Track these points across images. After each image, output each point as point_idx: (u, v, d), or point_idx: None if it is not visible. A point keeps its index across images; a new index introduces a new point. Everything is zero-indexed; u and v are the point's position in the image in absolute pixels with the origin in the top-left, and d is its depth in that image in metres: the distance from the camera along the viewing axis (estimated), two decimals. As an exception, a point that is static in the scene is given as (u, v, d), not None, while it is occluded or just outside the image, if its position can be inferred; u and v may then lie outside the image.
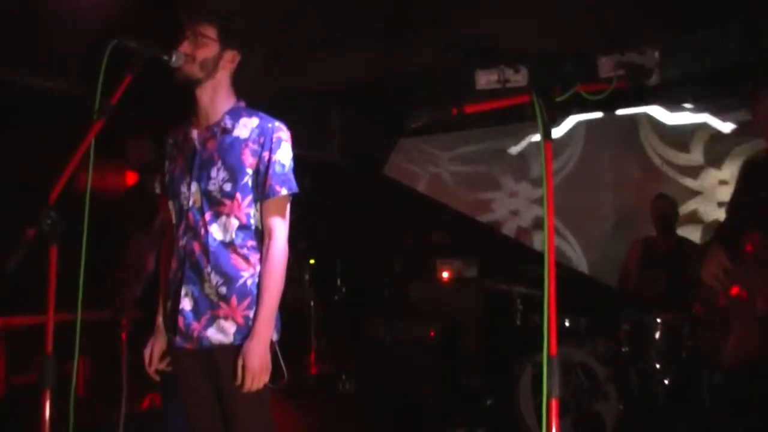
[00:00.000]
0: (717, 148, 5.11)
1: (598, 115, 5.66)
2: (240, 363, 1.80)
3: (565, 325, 4.21)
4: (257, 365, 1.79)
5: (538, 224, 5.97)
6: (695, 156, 5.27)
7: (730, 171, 4.94)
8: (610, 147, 5.67)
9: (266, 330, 1.84)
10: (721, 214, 4.64)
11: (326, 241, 6.29)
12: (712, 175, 5.12)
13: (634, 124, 5.51)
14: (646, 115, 5.46)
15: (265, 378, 1.82)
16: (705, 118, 5.16)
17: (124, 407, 3.18)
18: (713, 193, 5.10)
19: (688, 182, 5.27)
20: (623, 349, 3.95)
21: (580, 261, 5.72)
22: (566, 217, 5.75)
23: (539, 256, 1.39)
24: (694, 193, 5.23)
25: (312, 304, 5.86)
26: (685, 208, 5.06)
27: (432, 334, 4.78)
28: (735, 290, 2.18)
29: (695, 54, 3.87)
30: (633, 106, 5.42)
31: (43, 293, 1.56)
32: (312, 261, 6.14)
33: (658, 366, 3.78)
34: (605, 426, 3.60)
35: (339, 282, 6.27)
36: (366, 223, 6.40)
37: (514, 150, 6.09)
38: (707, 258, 2.31)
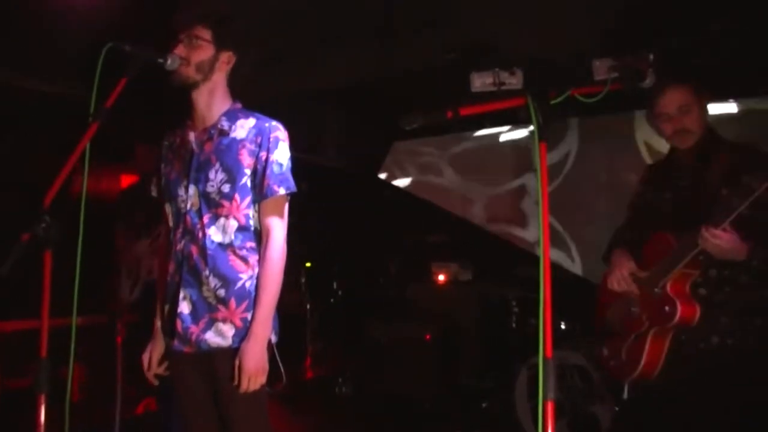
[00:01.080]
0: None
1: (594, 117, 5.68)
2: (236, 363, 1.80)
3: (560, 327, 4.22)
4: (253, 366, 1.79)
5: (534, 226, 5.98)
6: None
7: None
8: (606, 149, 5.69)
9: (263, 330, 1.84)
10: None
11: (322, 244, 6.28)
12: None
13: (630, 126, 5.53)
14: (642, 118, 5.48)
15: (261, 379, 1.81)
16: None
17: (118, 412, 3.16)
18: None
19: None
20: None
21: (576, 263, 5.73)
22: (563, 219, 5.76)
23: (535, 259, 1.39)
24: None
25: (308, 307, 5.85)
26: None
27: (428, 337, 4.78)
28: (645, 297, 2.08)
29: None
30: (628, 109, 5.44)
31: (38, 297, 1.55)
32: (308, 264, 6.13)
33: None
34: (600, 428, 3.60)
35: (335, 285, 6.26)
36: (362, 226, 6.40)
37: (509, 152, 6.11)
38: (612, 264, 2.25)
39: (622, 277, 2.18)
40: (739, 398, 1.94)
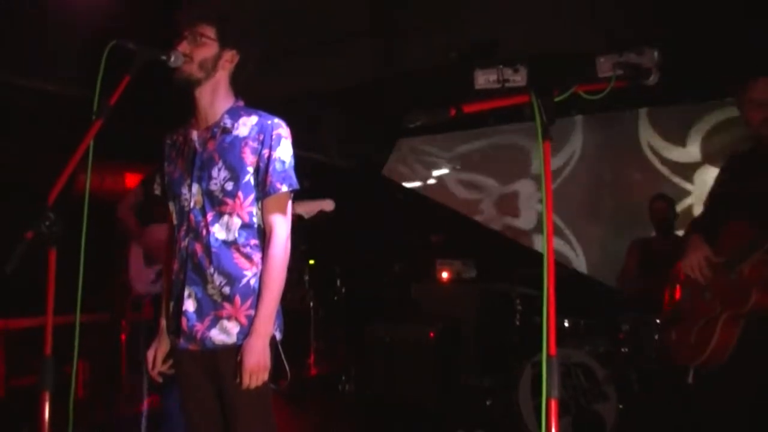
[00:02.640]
0: (715, 145, 5.12)
1: (597, 115, 5.67)
2: (239, 361, 1.80)
3: (564, 325, 4.21)
4: (255, 363, 1.79)
5: (538, 224, 5.98)
6: (693, 154, 5.28)
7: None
8: (609, 147, 5.68)
9: (266, 327, 1.84)
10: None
11: (325, 242, 6.28)
12: (710, 173, 5.13)
13: (633, 123, 5.52)
14: (645, 115, 5.47)
15: (264, 376, 1.81)
16: (703, 116, 5.17)
17: (145, 404, 3.13)
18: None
19: (686, 181, 5.28)
20: (623, 350, 3.95)
21: (579, 261, 5.72)
22: (566, 217, 5.75)
23: (538, 257, 1.38)
24: (691, 192, 5.24)
25: (311, 305, 5.86)
26: (682, 206, 5.07)
27: (431, 334, 4.78)
28: (720, 282, 2.09)
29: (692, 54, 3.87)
30: (632, 106, 5.43)
31: (42, 295, 1.55)
32: (311, 262, 6.14)
33: (657, 366, 3.78)
34: (605, 426, 3.60)
35: (338, 283, 6.26)
36: (365, 224, 6.40)
37: (512, 150, 6.10)
38: (688, 249, 2.23)
39: (698, 261, 2.17)
40: None
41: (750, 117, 2.18)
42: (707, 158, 5.20)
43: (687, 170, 5.30)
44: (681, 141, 5.34)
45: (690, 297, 2.24)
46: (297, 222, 3.02)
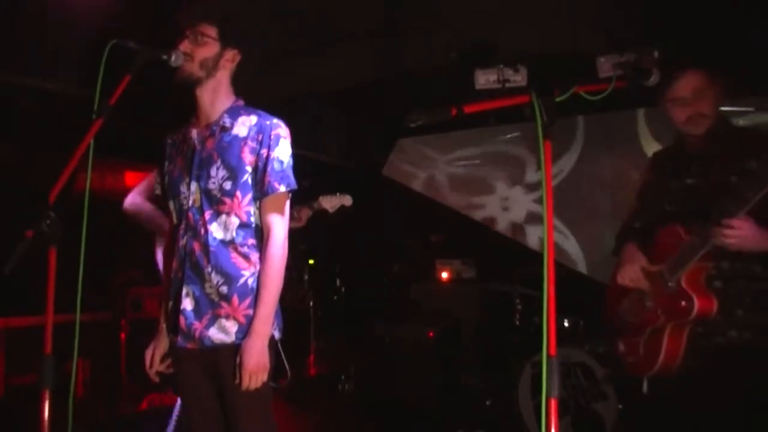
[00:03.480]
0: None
1: (598, 115, 5.67)
2: (238, 361, 1.80)
3: (564, 325, 4.21)
4: (254, 363, 1.79)
5: (535, 223, 5.98)
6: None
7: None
8: (609, 147, 5.68)
9: (264, 327, 1.84)
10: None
11: (325, 241, 6.29)
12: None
13: (633, 123, 5.52)
14: (645, 115, 5.47)
15: (263, 376, 1.81)
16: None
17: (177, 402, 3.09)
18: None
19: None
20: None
21: (579, 261, 5.72)
22: (566, 217, 5.75)
23: (538, 256, 1.38)
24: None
25: (311, 304, 5.86)
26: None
27: (431, 334, 4.78)
28: (659, 291, 2.04)
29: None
30: (632, 106, 5.43)
31: (42, 294, 1.55)
32: (311, 261, 6.14)
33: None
34: (604, 426, 3.60)
35: (338, 283, 6.27)
36: (365, 224, 6.40)
37: (513, 150, 6.10)
38: (623, 259, 2.19)
39: (633, 272, 2.13)
40: (759, 392, 1.91)
41: (674, 116, 2.10)
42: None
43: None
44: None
45: (632, 308, 2.18)
46: (322, 216, 3.14)
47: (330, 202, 3.23)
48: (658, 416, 2.14)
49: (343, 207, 3.27)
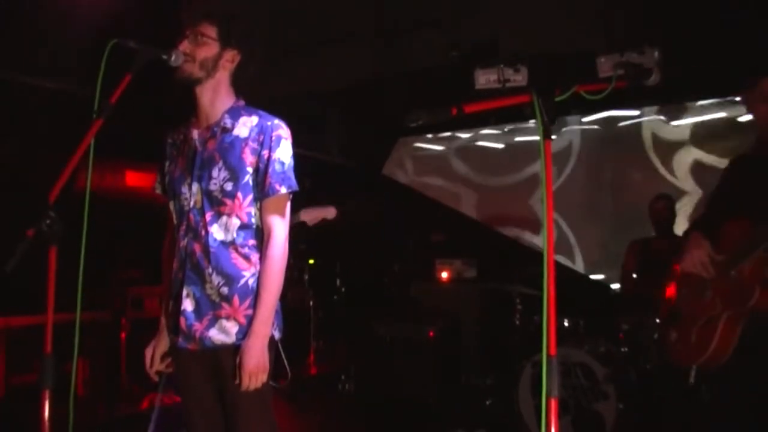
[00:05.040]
0: (715, 145, 5.13)
1: (598, 115, 5.68)
2: (237, 361, 1.80)
3: (564, 325, 4.21)
4: (254, 364, 1.79)
5: (537, 223, 5.98)
6: (693, 154, 5.28)
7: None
8: (610, 147, 5.68)
9: (264, 328, 1.84)
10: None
11: (325, 241, 6.28)
12: (709, 173, 5.12)
13: (634, 123, 5.52)
14: (645, 115, 5.47)
15: (263, 377, 1.81)
16: (704, 115, 5.18)
17: (159, 401, 3.11)
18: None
19: (685, 181, 5.28)
20: (622, 349, 3.95)
21: (579, 261, 5.72)
22: (567, 216, 5.75)
23: (538, 256, 1.38)
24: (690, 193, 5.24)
25: (311, 304, 5.86)
26: (681, 207, 5.07)
27: (431, 334, 4.78)
28: (720, 280, 2.06)
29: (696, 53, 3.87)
30: (633, 106, 5.44)
31: (43, 293, 1.56)
32: (311, 261, 6.13)
33: (657, 366, 3.78)
34: (604, 426, 3.60)
35: (338, 282, 6.26)
36: (366, 224, 6.40)
37: (514, 149, 6.10)
38: (689, 246, 2.19)
39: (699, 258, 2.13)
40: None
41: (759, 110, 2.15)
42: (707, 158, 5.20)
43: (687, 170, 5.30)
44: (681, 141, 5.34)
45: (690, 296, 2.21)
46: (300, 229, 3.04)
47: (310, 215, 3.09)
48: (657, 417, 2.14)
49: (324, 220, 3.14)
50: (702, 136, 5.22)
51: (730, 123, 5.01)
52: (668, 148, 5.38)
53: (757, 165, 2.22)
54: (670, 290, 2.34)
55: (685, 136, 5.30)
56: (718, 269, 2.10)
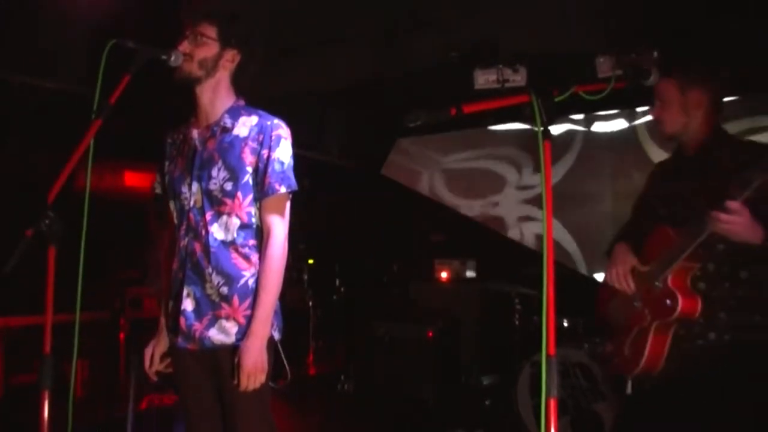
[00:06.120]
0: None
1: (598, 115, 5.68)
2: (236, 362, 1.80)
3: (563, 325, 4.21)
4: (252, 364, 1.79)
5: (531, 222, 5.98)
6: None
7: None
8: (609, 147, 5.68)
9: (263, 328, 1.84)
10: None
11: (325, 241, 6.29)
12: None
13: (634, 123, 5.52)
14: (645, 115, 5.47)
15: (261, 377, 1.81)
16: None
17: (132, 406, 3.14)
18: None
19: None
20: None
21: (579, 261, 5.72)
22: (566, 216, 5.75)
23: (538, 256, 1.38)
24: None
25: (311, 304, 5.86)
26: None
27: (430, 334, 4.78)
28: (647, 291, 2.06)
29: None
30: (632, 106, 5.44)
31: (42, 293, 1.56)
32: (310, 261, 6.14)
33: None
34: (603, 426, 3.60)
35: (337, 282, 6.26)
36: (365, 223, 6.40)
37: (513, 149, 6.10)
38: (613, 260, 2.23)
39: (623, 272, 2.16)
40: (736, 395, 1.93)
41: (661, 116, 2.15)
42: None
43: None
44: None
45: (620, 307, 2.21)
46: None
47: None
48: (638, 417, 2.15)
49: None
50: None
51: (729, 122, 5.01)
52: (668, 147, 5.38)
53: (672, 168, 2.23)
54: (603, 302, 2.34)
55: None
56: (643, 281, 2.10)
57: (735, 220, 1.80)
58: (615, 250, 2.26)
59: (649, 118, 5.44)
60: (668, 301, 1.97)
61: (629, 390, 2.14)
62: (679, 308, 1.95)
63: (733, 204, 1.79)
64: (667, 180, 2.22)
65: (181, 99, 2.01)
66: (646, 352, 2.03)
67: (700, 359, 2.00)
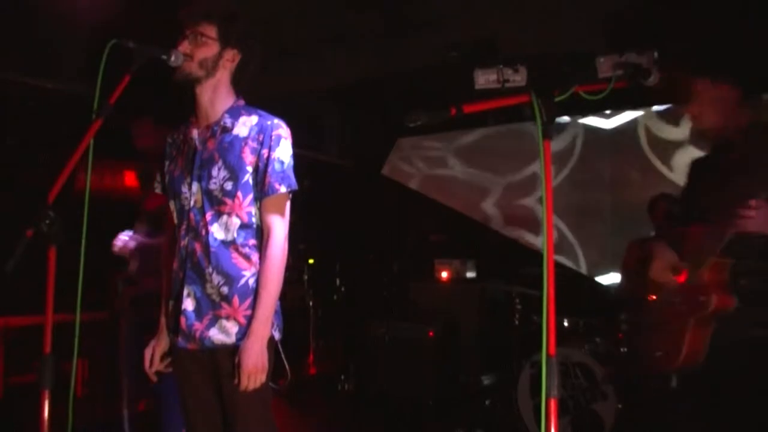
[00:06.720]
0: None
1: (597, 114, 5.68)
2: (236, 362, 1.80)
3: (564, 325, 4.21)
4: (252, 364, 1.79)
5: (535, 224, 5.98)
6: (693, 154, 5.28)
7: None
8: (610, 147, 5.68)
9: (263, 328, 1.84)
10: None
11: (325, 241, 6.29)
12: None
13: (634, 123, 5.52)
14: (645, 114, 5.47)
15: (261, 377, 1.81)
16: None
17: (125, 406, 3.15)
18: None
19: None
20: (622, 350, 3.95)
21: (579, 261, 5.72)
22: (567, 216, 5.75)
23: (538, 256, 1.38)
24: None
25: (311, 304, 5.86)
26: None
27: (431, 334, 4.78)
28: (686, 286, 2.12)
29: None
30: (632, 106, 5.44)
31: (42, 293, 1.55)
32: (311, 261, 6.14)
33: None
34: (603, 426, 3.60)
35: (338, 282, 6.26)
36: (365, 223, 6.40)
37: (513, 149, 6.10)
38: (654, 256, 2.27)
39: (663, 267, 2.20)
40: None
41: (700, 115, 2.19)
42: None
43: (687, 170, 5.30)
44: (681, 140, 5.34)
45: (663, 302, 2.26)
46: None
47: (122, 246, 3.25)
48: (660, 415, 2.17)
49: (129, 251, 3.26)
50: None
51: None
52: (667, 148, 5.38)
53: (712, 167, 2.26)
54: (645, 298, 2.38)
55: (684, 135, 5.30)
56: (685, 275, 2.14)
57: (755, 215, 1.84)
58: (655, 247, 2.30)
59: (649, 117, 5.45)
60: (702, 297, 2.02)
61: (674, 383, 2.18)
62: (712, 304, 1.99)
63: (754, 201, 1.82)
64: (703, 176, 2.26)
65: (181, 98, 2.00)
66: (685, 347, 2.07)
67: (738, 353, 2.02)
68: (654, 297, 2.34)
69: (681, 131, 5.33)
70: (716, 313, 2.01)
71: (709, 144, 2.30)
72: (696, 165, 2.39)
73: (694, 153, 5.26)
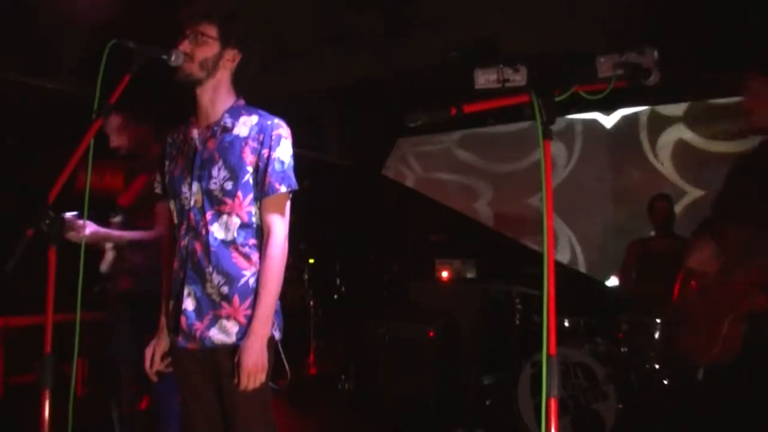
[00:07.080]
0: (715, 144, 5.13)
1: (597, 115, 5.68)
2: (236, 361, 1.80)
3: (564, 325, 4.21)
4: (252, 363, 1.79)
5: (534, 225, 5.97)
6: (694, 154, 5.28)
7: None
8: (609, 147, 5.68)
9: (263, 328, 1.84)
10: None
11: (325, 241, 6.29)
12: (709, 173, 5.12)
13: (634, 123, 5.52)
14: (645, 114, 5.47)
15: (261, 377, 1.81)
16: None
17: (120, 407, 3.15)
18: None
19: (685, 181, 5.28)
20: (622, 350, 3.95)
21: (579, 261, 5.72)
22: (567, 216, 5.75)
23: (538, 256, 1.38)
24: (690, 192, 5.24)
25: (311, 304, 5.86)
26: (681, 207, 5.08)
27: (431, 334, 4.78)
28: (723, 281, 2.12)
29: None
30: (632, 106, 5.44)
31: (42, 293, 1.55)
32: (311, 261, 6.13)
33: (657, 366, 3.79)
34: (604, 426, 3.60)
35: (338, 282, 6.26)
36: (365, 223, 6.40)
37: (514, 148, 6.10)
38: (697, 246, 2.26)
39: (706, 257, 2.20)
40: None
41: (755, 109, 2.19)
42: (707, 157, 5.20)
43: (687, 170, 5.30)
44: (680, 139, 5.34)
45: (697, 296, 2.27)
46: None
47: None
48: (656, 417, 2.18)
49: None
50: (702, 133, 5.23)
51: (728, 121, 5.01)
52: (667, 147, 5.38)
53: (750, 163, 2.27)
54: (679, 291, 2.38)
55: (687, 135, 5.30)
56: (721, 271, 2.14)
57: None
58: (698, 238, 2.29)
59: (648, 117, 5.45)
60: (741, 295, 2.03)
61: (701, 376, 2.19)
62: (750, 302, 2.00)
63: None
64: (749, 174, 2.25)
65: (181, 98, 2.00)
66: (720, 341, 2.07)
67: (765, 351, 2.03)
68: (686, 291, 2.34)
69: (681, 130, 5.33)
70: (752, 311, 2.01)
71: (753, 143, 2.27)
72: (742, 162, 2.37)
73: (694, 152, 5.28)
